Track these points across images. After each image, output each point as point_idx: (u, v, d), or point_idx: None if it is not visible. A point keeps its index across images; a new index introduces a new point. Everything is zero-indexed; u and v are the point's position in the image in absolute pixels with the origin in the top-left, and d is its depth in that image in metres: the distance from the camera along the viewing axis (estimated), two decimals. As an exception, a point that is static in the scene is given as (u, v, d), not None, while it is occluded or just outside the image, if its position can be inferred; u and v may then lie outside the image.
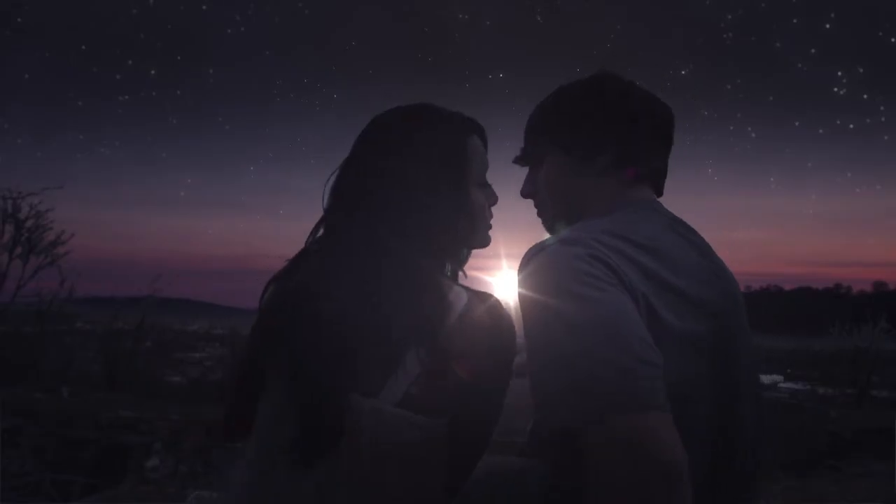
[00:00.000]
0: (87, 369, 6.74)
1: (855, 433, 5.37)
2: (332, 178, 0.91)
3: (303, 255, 0.90)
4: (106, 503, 3.04)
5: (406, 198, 0.85)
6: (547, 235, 0.98)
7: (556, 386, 0.67)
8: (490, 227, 1.00)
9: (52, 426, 3.80)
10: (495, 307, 0.85)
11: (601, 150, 0.93)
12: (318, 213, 0.92)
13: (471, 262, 1.01)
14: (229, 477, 0.88)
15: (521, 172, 1.08)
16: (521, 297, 0.76)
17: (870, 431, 5.33)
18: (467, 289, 0.87)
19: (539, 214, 1.03)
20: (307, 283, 0.82)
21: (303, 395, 0.77)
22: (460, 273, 0.99)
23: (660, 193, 0.98)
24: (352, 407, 0.74)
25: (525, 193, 1.03)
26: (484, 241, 0.99)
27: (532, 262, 0.77)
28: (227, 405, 0.91)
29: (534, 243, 0.82)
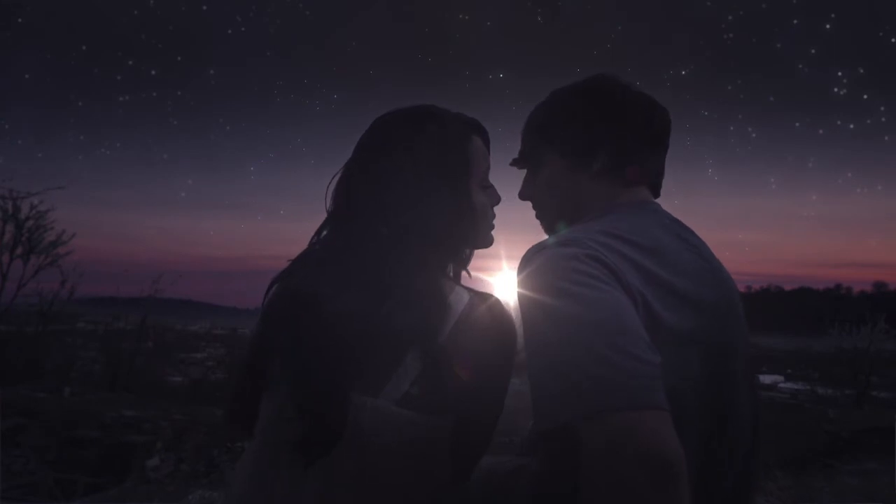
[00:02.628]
0: (88, 369, 6.75)
1: (854, 433, 5.38)
2: (335, 180, 0.91)
3: (305, 255, 0.90)
4: (108, 502, 3.05)
5: (407, 200, 0.85)
6: (546, 236, 0.99)
7: (554, 383, 0.67)
8: (493, 227, 1.00)
9: (55, 425, 3.82)
10: (496, 307, 0.85)
11: (597, 152, 0.93)
12: (320, 214, 0.93)
13: (472, 262, 1.02)
14: (230, 476, 0.89)
15: (521, 173, 1.09)
16: (519, 297, 0.76)
17: (869, 431, 5.35)
18: (469, 289, 0.87)
19: (538, 216, 1.04)
20: (309, 284, 0.82)
21: (304, 395, 0.77)
22: (464, 273, 0.99)
23: (657, 195, 0.98)
24: (353, 406, 0.74)
25: (523, 196, 1.03)
26: (486, 242, 1.00)
27: (530, 263, 0.77)
28: (229, 404, 0.91)
29: (533, 244, 0.82)
